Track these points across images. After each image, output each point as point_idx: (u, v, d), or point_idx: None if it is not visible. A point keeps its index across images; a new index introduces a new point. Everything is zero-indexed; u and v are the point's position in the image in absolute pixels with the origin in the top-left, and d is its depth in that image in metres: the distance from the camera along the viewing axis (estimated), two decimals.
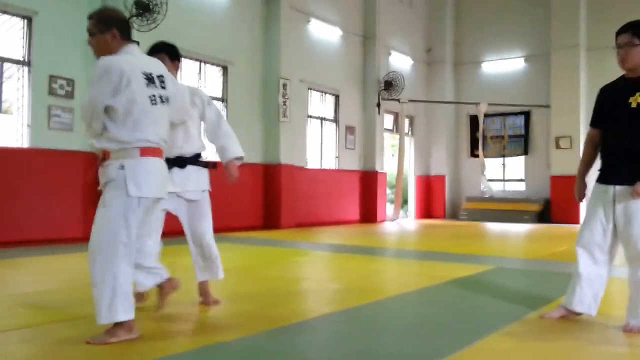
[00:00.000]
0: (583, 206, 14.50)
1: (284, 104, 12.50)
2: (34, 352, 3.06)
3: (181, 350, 3.08)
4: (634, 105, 3.60)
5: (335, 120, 14.83)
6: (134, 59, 3.32)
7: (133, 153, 3.24)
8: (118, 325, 3.17)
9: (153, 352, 3.00)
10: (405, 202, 17.98)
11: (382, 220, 15.62)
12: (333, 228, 13.00)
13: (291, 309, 4.27)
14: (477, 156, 17.00)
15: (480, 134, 16.63)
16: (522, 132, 17.33)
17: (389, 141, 18.11)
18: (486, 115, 16.75)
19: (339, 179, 14.69)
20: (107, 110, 3.21)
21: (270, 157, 12.45)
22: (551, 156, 16.46)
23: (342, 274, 6.43)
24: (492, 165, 17.80)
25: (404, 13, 17.52)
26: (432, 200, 18.44)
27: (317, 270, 6.91)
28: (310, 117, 13.98)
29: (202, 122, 4.24)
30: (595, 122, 3.92)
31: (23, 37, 8.67)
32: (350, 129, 15.16)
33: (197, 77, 11.26)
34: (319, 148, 14.37)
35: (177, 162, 3.99)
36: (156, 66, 3.47)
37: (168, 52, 4.02)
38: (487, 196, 17.13)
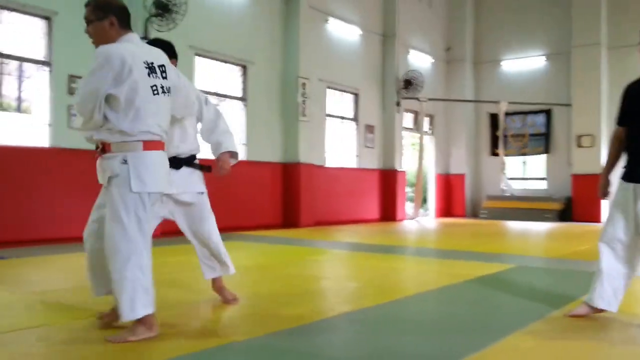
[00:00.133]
0: (605, 205, 14.44)
1: (303, 103, 12.51)
2: (52, 351, 3.05)
3: (197, 349, 3.05)
4: None
5: (355, 118, 14.81)
6: (135, 48, 3.23)
7: (136, 146, 3.16)
8: (139, 322, 3.16)
9: (168, 351, 2.99)
10: (425, 200, 17.89)
11: (402, 219, 15.55)
12: (352, 227, 12.94)
13: (309, 307, 4.23)
14: (497, 155, 16.90)
15: (500, 133, 16.55)
16: (543, 130, 17.17)
17: (409, 140, 18.04)
18: (507, 114, 16.65)
19: (358, 178, 14.66)
20: (108, 99, 3.12)
21: (290, 156, 12.46)
22: (572, 154, 16.29)
23: (361, 272, 6.39)
24: (513, 164, 17.67)
25: (424, 12, 17.44)
26: (452, 198, 18.34)
27: (336, 269, 6.87)
28: (330, 115, 13.96)
29: (199, 122, 4.10)
30: (621, 120, 3.88)
31: (43, 38, 8.74)
32: (369, 128, 15.12)
33: (216, 76, 11.28)
34: (339, 147, 14.35)
35: (172, 162, 3.78)
36: (157, 56, 3.39)
37: (165, 50, 3.82)
38: (507, 194, 17.00)
